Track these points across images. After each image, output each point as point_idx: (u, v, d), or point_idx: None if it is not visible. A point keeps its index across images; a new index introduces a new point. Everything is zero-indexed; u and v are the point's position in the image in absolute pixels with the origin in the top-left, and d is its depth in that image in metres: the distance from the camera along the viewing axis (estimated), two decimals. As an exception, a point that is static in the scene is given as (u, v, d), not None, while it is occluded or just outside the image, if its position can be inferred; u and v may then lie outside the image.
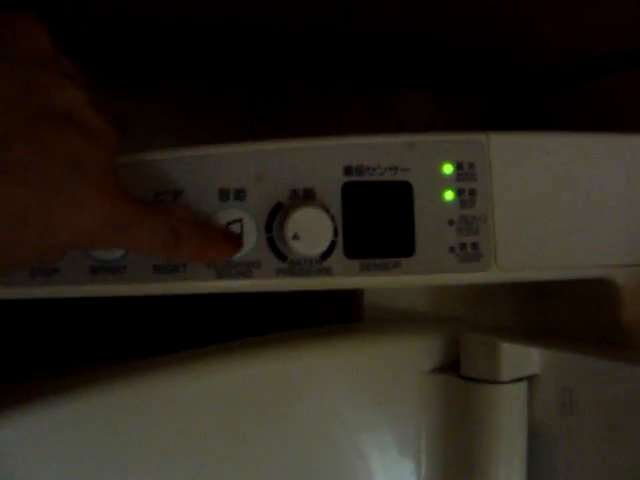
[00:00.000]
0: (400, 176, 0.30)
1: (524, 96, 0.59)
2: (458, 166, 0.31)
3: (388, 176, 0.30)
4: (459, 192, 0.31)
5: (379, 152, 0.30)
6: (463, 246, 0.31)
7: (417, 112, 0.57)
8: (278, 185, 0.30)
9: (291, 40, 0.45)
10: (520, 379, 0.33)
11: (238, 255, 0.29)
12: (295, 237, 0.29)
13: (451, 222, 0.31)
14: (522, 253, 0.31)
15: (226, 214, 0.29)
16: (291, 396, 0.33)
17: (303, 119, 0.53)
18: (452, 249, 0.30)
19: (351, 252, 0.30)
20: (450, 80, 0.55)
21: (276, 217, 0.29)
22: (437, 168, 0.31)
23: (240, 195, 0.29)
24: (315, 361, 0.34)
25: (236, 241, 0.28)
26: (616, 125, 0.49)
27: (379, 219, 0.30)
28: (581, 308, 0.35)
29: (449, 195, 0.31)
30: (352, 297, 0.40)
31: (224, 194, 0.29)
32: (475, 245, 0.31)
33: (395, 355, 0.34)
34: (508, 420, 0.33)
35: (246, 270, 0.29)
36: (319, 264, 0.30)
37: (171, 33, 0.43)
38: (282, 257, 0.30)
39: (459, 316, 0.37)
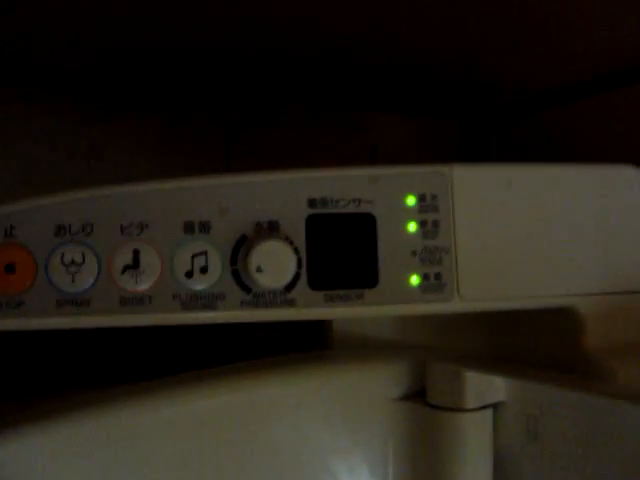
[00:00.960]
0: (363, 208, 0.31)
1: (496, 119, 0.60)
2: (421, 198, 0.31)
3: (352, 208, 0.31)
4: (422, 223, 0.31)
5: (343, 185, 0.31)
6: (426, 276, 0.31)
7: (389, 136, 0.57)
8: (243, 218, 0.30)
9: (265, 64, 0.46)
10: (485, 407, 0.33)
11: (203, 287, 0.30)
12: (259, 270, 0.29)
13: (414, 253, 0.31)
14: (485, 283, 0.31)
15: (191, 246, 0.30)
16: (260, 424, 0.34)
17: (278, 142, 0.54)
18: (415, 280, 0.31)
19: (315, 283, 0.30)
20: (422, 103, 0.56)
21: (241, 249, 0.30)
22: (400, 200, 0.31)
23: (205, 228, 0.30)
24: (285, 389, 0.34)
25: None
26: (588, 148, 0.50)
27: (343, 250, 0.31)
28: (544, 336, 0.35)
29: (412, 226, 0.31)
30: (321, 325, 0.40)
31: (189, 227, 0.30)
32: (438, 275, 0.31)
33: (363, 383, 0.35)
34: (474, 447, 0.33)
35: (211, 302, 0.30)
36: (283, 296, 0.30)
37: (144, 58, 0.44)
38: (246, 289, 0.30)
39: (426, 343, 0.37)
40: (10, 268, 0.29)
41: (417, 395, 0.35)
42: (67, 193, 0.30)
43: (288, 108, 0.54)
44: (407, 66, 0.47)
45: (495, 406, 0.34)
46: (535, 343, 0.35)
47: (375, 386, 0.35)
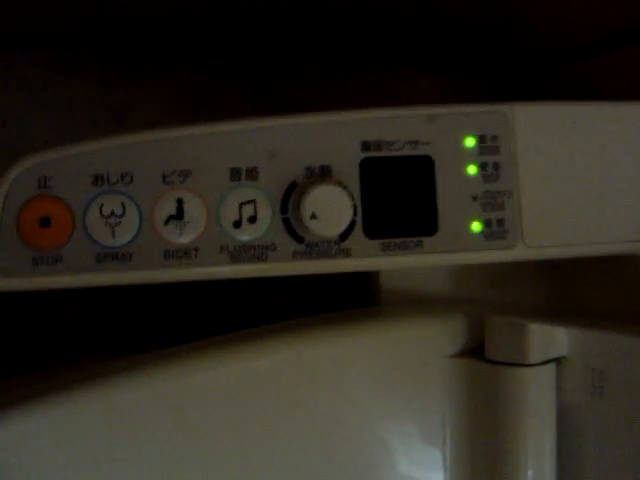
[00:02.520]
0: (420, 150, 0.29)
1: (528, 75, 0.57)
2: (481, 139, 0.29)
3: (408, 150, 0.29)
4: (482, 166, 0.29)
5: (398, 126, 0.29)
6: (488, 223, 0.29)
7: (418, 93, 0.55)
8: (292, 163, 0.28)
9: (289, 20, 0.43)
10: (548, 361, 0.31)
11: (252, 238, 0.28)
12: (313, 217, 0.27)
13: (475, 198, 0.29)
14: (549, 229, 0.29)
15: (238, 195, 0.28)
16: (308, 386, 0.32)
17: (303, 101, 0.51)
18: (476, 226, 0.29)
19: (371, 232, 0.28)
20: (450, 60, 0.54)
21: (291, 197, 0.28)
22: (459, 141, 0.29)
23: (252, 174, 0.28)
24: (332, 349, 0.32)
25: None
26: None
27: (399, 196, 0.29)
28: (609, 286, 0.33)
29: (472, 169, 0.29)
30: (367, 280, 0.38)
31: (235, 174, 0.28)
32: (501, 222, 0.29)
33: (416, 340, 0.33)
34: (537, 404, 0.31)
35: (261, 253, 0.28)
36: (338, 245, 0.28)
37: (167, 16, 0.42)
38: (299, 239, 0.28)
39: (481, 297, 0.36)
40: (45, 222, 0.27)
41: (475, 351, 0.33)
42: (104, 140, 0.28)
43: (314, 65, 0.52)
44: (437, 18, 0.45)
45: (558, 361, 0.32)
46: (599, 293, 0.34)
47: (429, 343, 0.33)
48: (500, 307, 0.34)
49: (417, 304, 0.35)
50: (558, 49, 0.52)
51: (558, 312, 0.34)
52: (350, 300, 0.36)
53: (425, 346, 0.33)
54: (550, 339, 0.31)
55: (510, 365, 0.31)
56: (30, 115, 0.45)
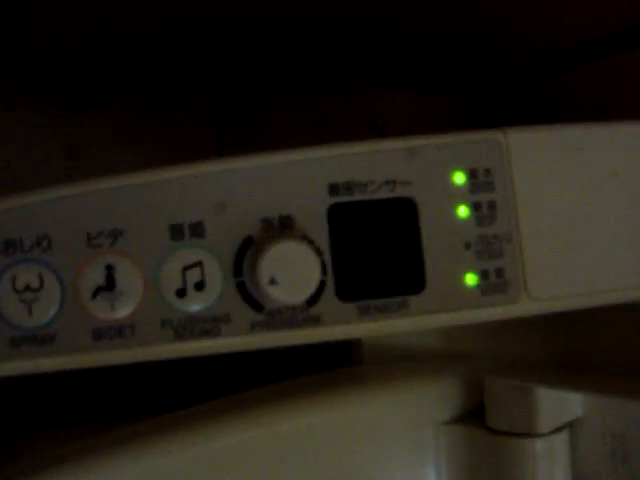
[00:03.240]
0: (400, 192, 0.24)
1: (509, 87, 0.53)
2: (472, 174, 0.24)
3: (385, 193, 0.24)
4: (475, 206, 0.24)
5: (372, 163, 0.24)
6: (485, 274, 0.24)
7: (396, 112, 0.50)
8: (246, 215, 0.23)
9: (254, 42, 0.39)
10: (561, 428, 0.27)
11: (201, 308, 0.23)
12: (272, 282, 0.22)
13: (468, 245, 0.24)
14: (558, 277, 0.25)
15: (181, 257, 0.23)
16: (287, 459, 0.27)
17: (274, 127, 0.47)
18: (471, 279, 0.24)
19: (345, 293, 0.23)
20: (429, 75, 0.49)
21: (246, 256, 0.23)
22: (446, 178, 0.24)
23: (198, 231, 0.23)
24: (312, 418, 0.28)
25: None
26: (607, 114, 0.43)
27: (377, 248, 0.24)
28: (621, 337, 0.29)
29: (463, 211, 0.24)
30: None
31: (177, 231, 0.23)
32: (499, 271, 0.24)
33: (406, 404, 0.28)
34: (550, 477, 0.27)
35: (212, 327, 0.23)
36: (305, 312, 0.23)
37: (122, 41, 0.37)
38: (257, 307, 0.23)
39: (476, 350, 0.31)
40: (-55, 301, 0.22)
41: (473, 416, 0.28)
42: (12, 198, 0.23)
43: (285, 85, 0.47)
44: (413, 34, 0.40)
45: (571, 424, 0.27)
46: (611, 346, 0.29)
47: (420, 408, 0.28)
48: (500, 363, 0.29)
49: (404, 361, 0.31)
50: (540, 59, 0.48)
51: (566, 367, 0.29)
52: (331, 357, 0.31)
53: (416, 413, 0.28)
54: (562, 403, 0.27)
55: (516, 435, 0.27)
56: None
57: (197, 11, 0.34)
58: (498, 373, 0.28)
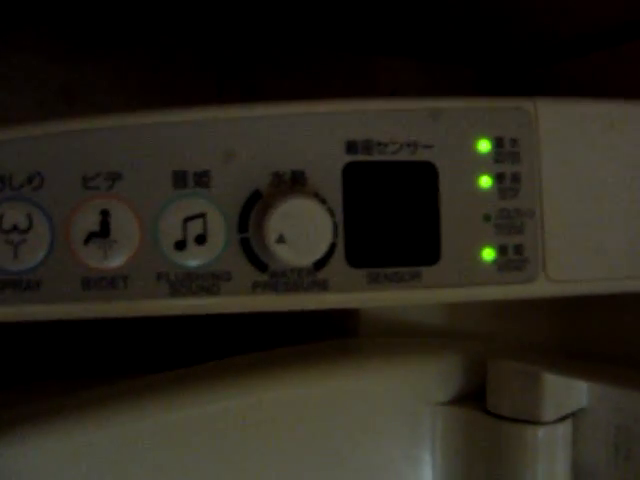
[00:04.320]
0: (421, 155, 0.22)
1: (516, 67, 0.52)
2: (497, 142, 0.23)
3: (405, 155, 0.22)
4: (498, 177, 0.23)
5: (393, 123, 0.22)
6: (503, 249, 0.23)
7: (398, 82, 0.49)
8: (255, 166, 0.21)
9: (261, 6, 0.37)
10: (564, 417, 0.26)
11: (200, 263, 0.21)
12: (280, 240, 0.21)
13: (487, 217, 0.23)
14: (578, 259, 0.23)
15: (183, 206, 0.21)
16: (276, 429, 0.26)
17: (277, 87, 0.45)
18: (489, 253, 0.23)
19: (355, 259, 0.22)
20: (436, 48, 0.47)
21: (253, 211, 0.21)
22: (470, 145, 0.23)
23: (203, 180, 0.21)
24: (305, 390, 0.26)
25: None
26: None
27: (392, 214, 0.22)
28: (635, 326, 0.27)
29: (485, 181, 0.23)
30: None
31: (180, 178, 0.21)
32: (518, 248, 0.23)
33: (403, 381, 0.27)
34: (550, 467, 0.26)
35: (211, 284, 0.21)
36: (312, 276, 0.22)
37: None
38: (261, 266, 0.21)
39: (476, 331, 0.29)
40: None
41: (472, 397, 0.27)
42: (5, 130, 0.21)
43: (289, 49, 0.45)
44: (428, 3, 0.38)
45: (574, 414, 0.26)
46: (624, 333, 0.28)
47: (418, 387, 0.27)
48: (504, 346, 0.28)
49: (402, 336, 0.29)
50: (551, 41, 0.46)
51: (573, 354, 0.28)
52: (324, 326, 0.30)
53: (412, 391, 0.27)
54: (567, 392, 0.25)
55: (518, 421, 0.25)
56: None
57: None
58: (502, 355, 0.26)
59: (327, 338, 0.29)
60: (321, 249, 0.21)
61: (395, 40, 0.46)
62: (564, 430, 0.26)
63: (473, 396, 0.27)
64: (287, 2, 0.38)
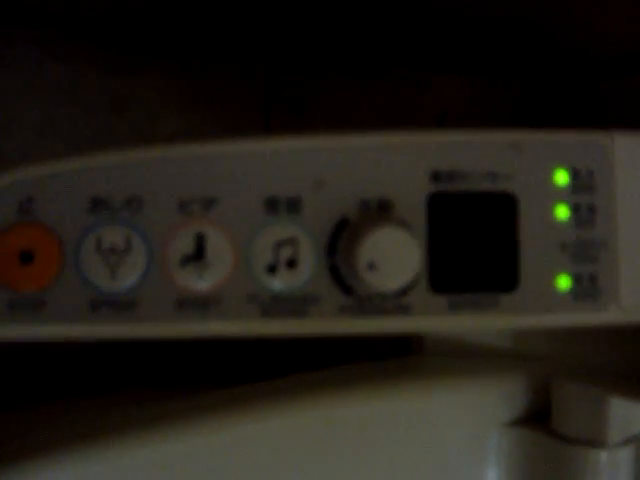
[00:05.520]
0: (501, 185, 0.23)
1: (564, 84, 0.52)
2: (574, 174, 0.24)
3: (486, 185, 0.23)
4: (575, 208, 0.24)
5: (475, 154, 0.23)
6: (578, 278, 0.24)
7: (448, 99, 0.50)
8: (344, 194, 0.22)
9: (307, 14, 0.38)
10: (629, 440, 0.26)
11: (291, 287, 0.22)
12: (371, 267, 0.21)
13: (564, 246, 0.23)
14: (651, 288, 0.24)
15: (275, 231, 0.22)
16: (341, 446, 0.27)
17: (324, 100, 0.46)
18: (564, 282, 0.23)
19: (438, 285, 0.23)
20: (483, 63, 0.48)
21: (341, 237, 0.22)
22: (548, 176, 0.23)
23: (294, 206, 0.22)
24: (366, 409, 0.27)
25: None
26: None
27: (473, 241, 0.23)
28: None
29: (563, 212, 0.23)
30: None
31: (272, 204, 0.22)
32: (592, 277, 0.24)
33: (469, 404, 0.27)
34: (612, 491, 0.26)
35: (300, 307, 0.22)
36: (396, 300, 0.22)
37: (178, 4, 0.36)
38: (348, 290, 0.22)
39: (544, 350, 0.30)
40: (27, 256, 0.21)
41: (536, 419, 0.28)
42: (106, 154, 0.22)
43: (336, 63, 0.46)
44: (476, 24, 0.39)
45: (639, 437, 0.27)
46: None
47: (484, 408, 0.28)
48: (569, 367, 0.29)
49: (466, 357, 0.30)
50: (596, 60, 0.47)
51: (637, 377, 0.29)
52: (388, 341, 0.30)
53: (479, 411, 0.27)
54: (632, 415, 0.26)
55: (583, 443, 0.26)
56: (22, 100, 0.39)
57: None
58: (566, 376, 0.27)
59: (392, 356, 0.30)
60: (407, 276, 0.22)
61: (442, 56, 0.47)
62: (628, 454, 0.26)
63: (537, 417, 0.28)
64: (333, 20, 0.39)
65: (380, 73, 0.47)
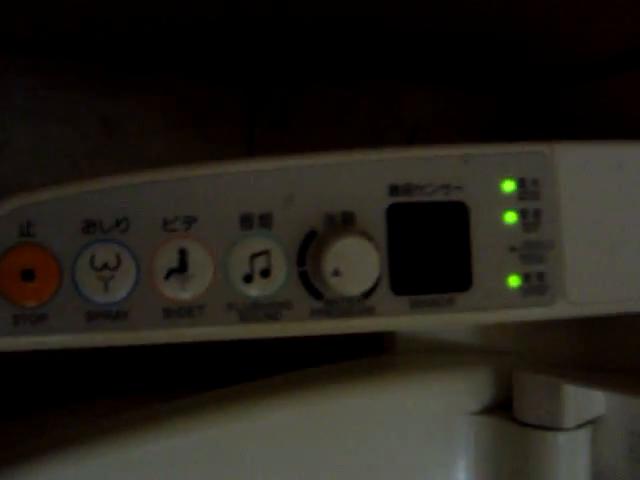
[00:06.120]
0: (454, 196, 0.26)
1: (536, 92, 0.55)
2: (520, 183, 0.26)
3: (440, 196, 0.25)
4: (522, 213, 0.26)
5: (429, 168, 0.25)
6: (527, 277, 0.26)
7: (419, 108, 0.52)
8: (311, 209, 0.25)
9: (290, 32, 0.40)
10: (584, 424, 0.29)
11: (265, 294, 0.24)
12: (335, 274, 0.24)
13: (513, 248, 0.26)
14: (594, 284, 0.27)
15: (250, 244, 0.24)
16: (323, 441, 0.29)
17: (305, 112, 0.48)
18: (514, 280, 0.26)
19: (399, 287, 0.25)
20: (459, 75, 0.51)
21: (309, 247, 0.25)
22: (496, 185, 0.26)
23: (266, 221, 0.24)
24: (347, 403, 0.29)
25: None
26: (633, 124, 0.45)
27: (430, 247, 0.25)
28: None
29: (510, 217, 0.26)
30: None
31: (247, 220, 0.24)
32: (540, 275, 0.26)
33: (438, 396, 0.30)
34: (571, 470, 0.29)
35: (275, 312, 0.25)
36: (361, 303, 0.25)
37: (157, 25, 0.38)
38: (317, 295, 0.25)
39: (507, 345, 0.33)
40: (28, 274, 0.23)
41: (501, 407, 0.30)
42: (96, 180, 0.24)
43: (314, 80, 0.48)
44: (447, 35, 0.41)
45: (593, 421, 0.29)
46: (636, 348, 0.31)
47: (453, 399, 0.30)
48: (529, 359, 0.31)
49: (436, 353, 0.32)
50: (564, 69, 0.49)
51: (595, 366, 0.31)
52: (362, 343, 0.33)
53: (448, 402, 0.30)
54: (586, 401, 0.28)
55: (542, 428, 0.28)
56: (16, 125, 0.42)
57: (232, 7, 0.35)
58: (527, 368, 0.29)
59: (367, 355, 0.32)
60: (369, 280, 0.24)
61: (418, 67, 0.49)
62: (584, 436, 0.29)
63: (502, 406, 0.30)
64: (313, 39, 0.41)
65: (358, 87, 0.50)
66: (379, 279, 0.25)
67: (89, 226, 0.24)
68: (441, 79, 0.52)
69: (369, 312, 0.25)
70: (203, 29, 0.40)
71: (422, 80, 0.51)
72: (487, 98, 0.54)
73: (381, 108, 0.50)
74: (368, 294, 0.25)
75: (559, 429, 0.28)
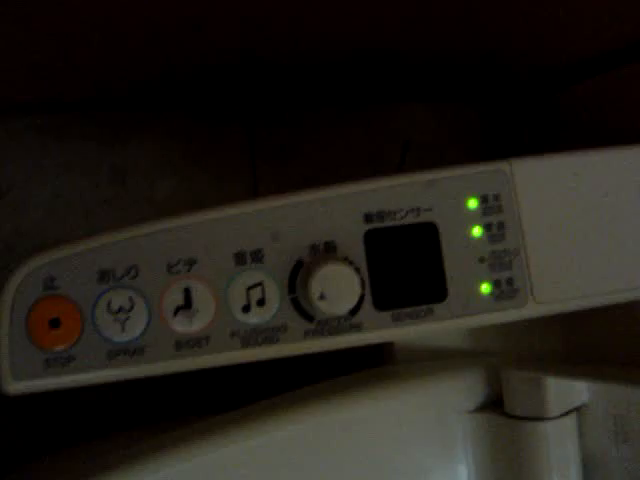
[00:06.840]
0: (423, 217, 0.29)
1: (516, 100, 0.57)
2: (483, 199, 0.29)
3: (410, 219, 0.28)
4: (487, 227, 0.29)
5: (398, 194, 0.28)
6: (497, 283, 0.29)
7: (414, 126, 0.55)
8: (296, 242, 0.28)
9: (286, 68, 0.43)
10: (569, 412, 0.31)
11: (263, 321, 0.28)
12: (321, 297, 0.27)
13: (482, 259, 0.29)
14: (559, 283, 0.29)
15: (245, 278, 0.28)
16: (330, 449, 0.32)
17: (302, 143, 0.51)
18: (486, 288, 0.29)
19: (381, 304, 0.28)
20: (440, 90, 0.54)
21: (298, 276, 0.28)
22: (461, 204, 0.29)
23: (257, 257, 0.28)
24: (351, 413, 0.32)
25: None
26: (612, 126, 0.47)
27: (406, 265, 0.28)
28: (622, 332, 0.33)
29: (477, 231, 0.29)
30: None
31: (240, 258, 0.28)
32: (509, 281, 0.29)
33: (436, 398, 0.32)
34: (560, 455, 0.31)
35: (272, 335, 0.28)
36: (349, 321, 0.28)
37: (160, 72, 0.42)
38: (309, 318, 0.28)
39: (495, 349, 0.35)
40: (55, 323, 0.27)
41: (494, 405, 0.33)
42: (106, 235, 0.28)
43: (311, 109, 0.52)
44: (429, 56, 0.44)
45: (579, 408, 0.32)
46: (613, 340, 0.33)
47: (449, 400, 0.33)
48: (515, 359, 0.34)
49: (433, 359, 0.35)
50: (542, 75, 0.52)
51: (577, 360, 0.34)
52: (367, 358, 0.36)
53: (445, 404, 0.32)
54: (569, 390, 0.31)
55: (530, 419, 0.31)
56: (31, 181, 0.45)
57: (230, 48, 0.38)
58: (514, 366, 0.32)
59: (370, 364, 0.35)
60: (353, 300, 0.27)
61: (408, 88, 0.52)
62: (569, 423, 0.31)
63: (495, 403, 0.33)
64: (307, 74, 0.44)
65: (353, 112, 0.53)
66: (362, 298, 0.28)
67: (103, 276, 0.27)
68: (428, 96, 0.55)
69: (357, 328, 0.28)
70: (200, 75, 0.43)
71: (414, 99, 0.54)
72: (474, 109, 0.57)
73: (374, 129, 0.53)
74: (354, 312, 0.28)
75: (545, 418, 0.31)
